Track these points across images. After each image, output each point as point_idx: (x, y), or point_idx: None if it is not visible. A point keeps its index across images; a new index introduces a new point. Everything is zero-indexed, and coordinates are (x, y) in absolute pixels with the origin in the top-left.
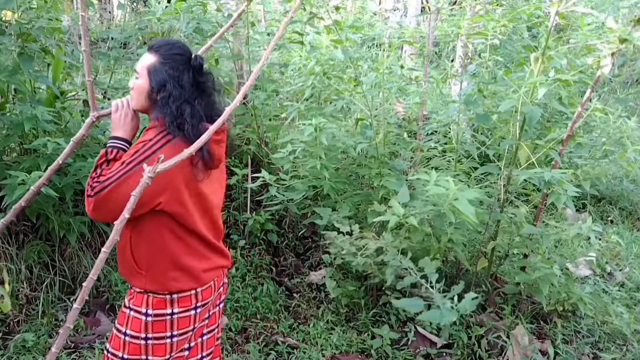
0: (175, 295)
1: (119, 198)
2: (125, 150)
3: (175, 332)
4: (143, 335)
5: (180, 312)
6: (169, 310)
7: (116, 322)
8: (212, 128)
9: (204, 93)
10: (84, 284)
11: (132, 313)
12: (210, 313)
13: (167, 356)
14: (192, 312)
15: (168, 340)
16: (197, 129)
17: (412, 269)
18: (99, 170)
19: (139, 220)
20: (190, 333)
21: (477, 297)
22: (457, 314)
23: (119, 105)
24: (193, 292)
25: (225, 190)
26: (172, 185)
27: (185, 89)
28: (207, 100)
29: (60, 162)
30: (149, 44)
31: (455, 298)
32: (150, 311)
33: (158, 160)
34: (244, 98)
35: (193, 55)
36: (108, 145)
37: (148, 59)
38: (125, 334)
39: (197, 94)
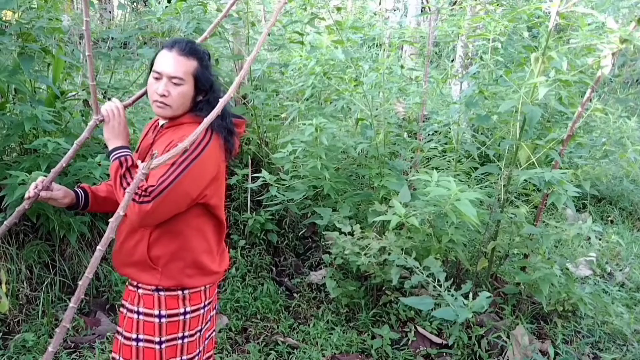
0: (187, 292)
1: (176, 198)
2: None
3: (186, 333)
4: (158, 339)
5: (192, 312)
6: (181, 310)
7: (122, 330)
8: (208, 120)
9: None
10: (80, 282)
11: (142, 317)
12: (211, 315)
13: (178, 359)
14: (201, 311)
15: (179, 342)
16: (231, 122)
17: (417, 268)
18: (129, 178)
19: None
20: (198, 334)
21: (490, 296)
22: (471, 312)
23: (110, 115)
24: (203, 288)
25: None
26: (218, 177)
27: (219, 85)
28: None
29: (65, 164)
30: (173, 45)
31: (470, 296)
32: (163, 312)
33: (152, 156)
34: (243, 98)
35: (207, 52)
36: (116, 156)
37: (189, 64)
38: (137, 340)
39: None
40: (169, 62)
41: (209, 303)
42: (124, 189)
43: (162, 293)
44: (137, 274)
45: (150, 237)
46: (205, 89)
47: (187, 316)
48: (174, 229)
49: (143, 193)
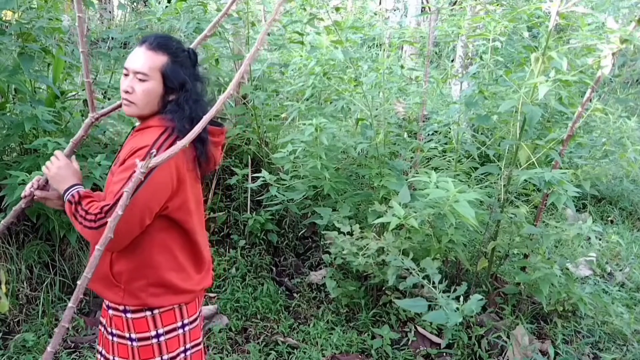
0: (156, 312)
1: (137, 213)
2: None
3: (165, 357)
4: None
5: (166, 333)
6: (152, 333)
7: (101, 349)
8: (206, 118)
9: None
10: (79, 282)
11: (116, 339)
12: (201, 338)
13: None
14: (180, 330)
15: None
16: (204, 129)
17: (414, 270)
18: (81, 211)
19: None
20: (183, 355)
21: (482, 299)
22: (462, 315)
23: (48, 169)
24: (176, 306)
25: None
26: (182, 189)
27: (195, 86)
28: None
29: None
30: (144, 40)
31: (461, 299)
32: (134, 335)
33: (150, 157)
34: (243, 98)
35: (189, 50)
36: (66, 198)
37: (156, 58)
38: None
39: (200, 89)
40: (135, 56)
41: (191, 322)
42: (81, 223)
43: (129, 315)
44: (101, 290)
45: (113, 252)
46: (173, 87)
47: (162, 338)
48: (135, 244)
49: (99, 215)
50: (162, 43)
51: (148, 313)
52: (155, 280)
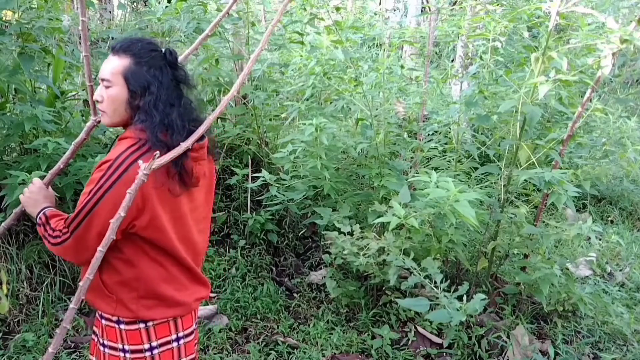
0: (150, 324)
1: (101, 229)
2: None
3: None
4: None
5: (159, 346)
6: (146, 346)
7: (94, 359)
8: (211, 118)
9: (182, 91)
10: (80, 284)
11: (107, 350)
12: (195, 354)
13: None
14: (174, 344)
15: None
16: (184, 133)
17: (415, 269)
18: (49, 230)
19: (116, 242)
20: None
21: (485, 298)
22: (465, 314)
23: (24, 200)
24: (171, 319)
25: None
26: (150, 206)
27: (169, 89)
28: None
29: (62, 166)
30: (111, 46)
31: (464, 298)
32: (127, 347)
33: (153, 158)
34: (243, 98)
35: (165, 50)
36: (37, 221)
37: (118, 62)
38: None
39: (178, 93)
40: (104, 64)
41: (187, 335)
42: (49, 242)
43: (122, 327)
44: (94, 300)
45: (103, 261)
46: (135, 90)
47: (155, 351)
48: (122, 256)
49: (64, 229)
50: (125, 46)
51: (142, 325)
52: (147, 293)
